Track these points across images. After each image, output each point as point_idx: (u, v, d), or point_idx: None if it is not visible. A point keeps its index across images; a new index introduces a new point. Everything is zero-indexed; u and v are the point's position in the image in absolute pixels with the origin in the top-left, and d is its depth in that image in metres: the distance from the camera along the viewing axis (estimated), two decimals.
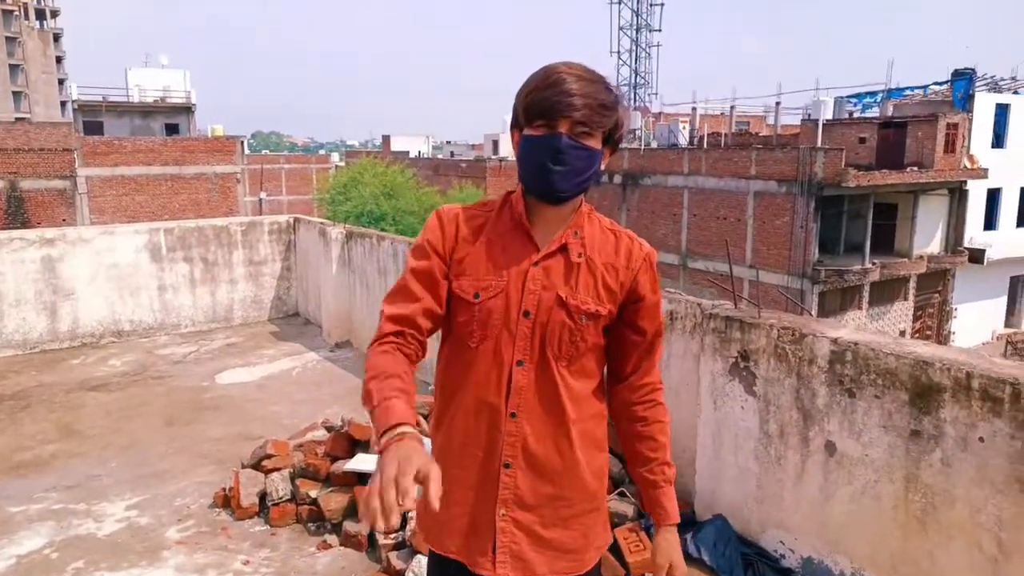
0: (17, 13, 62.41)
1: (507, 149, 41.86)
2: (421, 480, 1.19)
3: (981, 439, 2.55)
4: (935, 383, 2.65)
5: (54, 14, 70.86)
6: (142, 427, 5.24)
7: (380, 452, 1.25)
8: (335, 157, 50.79)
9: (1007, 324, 29.36)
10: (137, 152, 25.74)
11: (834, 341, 2.97)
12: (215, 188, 27.01)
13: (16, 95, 61.17)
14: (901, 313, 26.27)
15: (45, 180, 24.08)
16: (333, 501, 3.75)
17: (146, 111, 34.47)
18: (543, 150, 1.46)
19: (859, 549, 2.96)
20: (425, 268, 1.57)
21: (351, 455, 3.96)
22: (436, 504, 1.20)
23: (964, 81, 27.81)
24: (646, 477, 1.69)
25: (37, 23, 67.26)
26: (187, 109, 34.90)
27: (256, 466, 4.19)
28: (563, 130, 1.45)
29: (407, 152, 40.94)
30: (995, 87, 28.85)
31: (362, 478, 3.78)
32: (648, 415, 1.68)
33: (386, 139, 52.32)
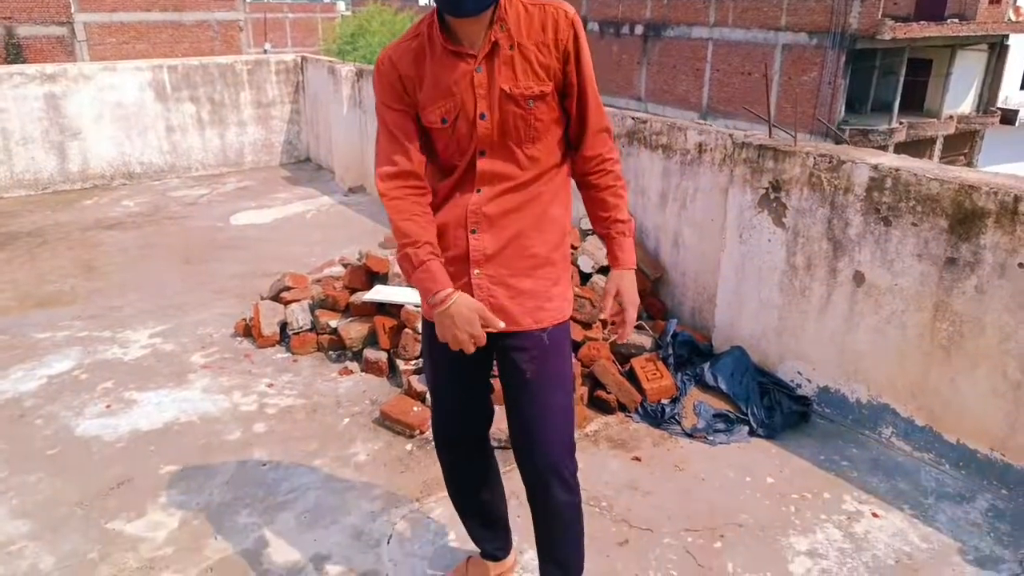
0: None
1: None
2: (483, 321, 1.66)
3: (1021, 264, 2.46)
4: (979, 208, 2.54)
5: None
6: (160, 264, 5.26)
7: (434, 308, 1.66)
8: (341, 6, 48.27)
9: None
10: None
11: (874, 168, 2.83)
12: (217, 37, 25.93)
13: None
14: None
15: (42, 26, 23.13)
16: (353, 330, 3.78)
17: None
18: None
19: (878, 377, 2.97)
20: (393, 120, 1.72)
21: (369, 287, 3.95)
22: (500, 324, 1.69)
23: None
24: (600, 233, 1.87)
25: None
26: None
27: (275, 298, 4.21)
28: None
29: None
30: None
31: (381, 308, 3.79)
32: (599, 182, 1.81)
33: None
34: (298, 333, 3.92)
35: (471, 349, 1.65)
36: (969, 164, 26.61)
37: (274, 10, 38.45)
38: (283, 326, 4.00)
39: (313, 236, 5.86)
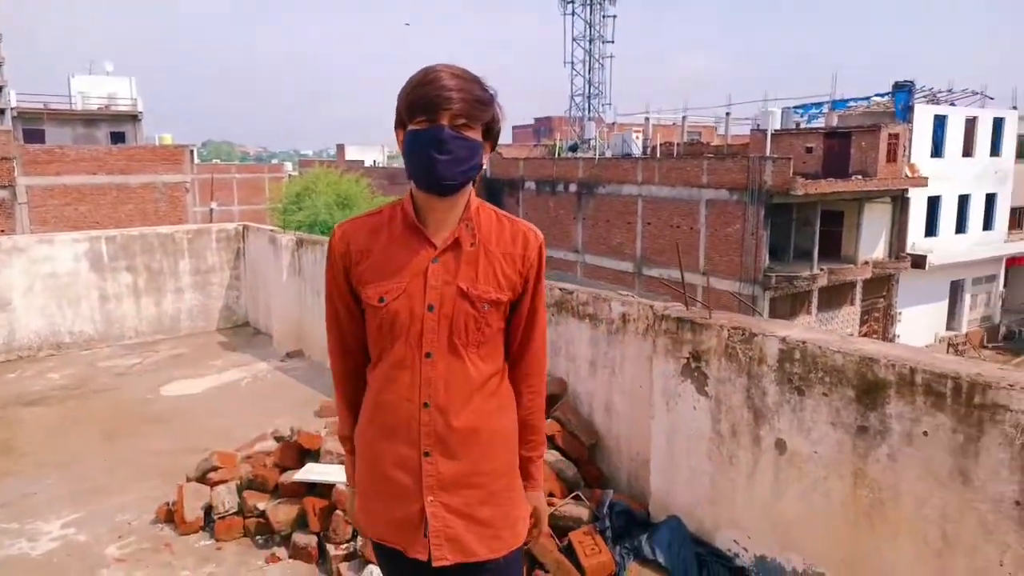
0: None
1: None
2: None
3: (925, 433, 2.59)
4: (880, 379, 2.70)
5: None
6: (82, 442, 5.04)
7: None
8: (288, 166, 50.03)
9: (948, 327, 30.38)
10: (80, 160, 24.91)
11: (783, 340, 3.00)
12: (163, 198, 26.30)
13: None
14: (848, 317, 26.97)
15: None
16: (282, 512, 3.64)
17: (90, 119, 33.39)
18: (426, 141, 1.54)
19: (810, 546, 2.99)
20: (336, 294, 1.72)
21: (300, 464, 3.85)
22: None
23: (904, 93, 28.80)
24: (523, 453, 1.82)
25: None
26: (133, 117, 33.90)
27: (201, 479, 4.05)
28: (444, 122, 1.53)
29: (362, 161, 40.53)
30: (933, 99, 29.91)
31: (312, 488, 3.68)
32: (529, 404, 1.79)
33: (340, 148, 51.73)
34: (224, 517, 3.75)
35: None
36: (889, 306, 28.17)
37: (222, 171, 39.55)
38: (208, 509, 3.82)
39: (247, 406, 5.74)
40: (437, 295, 1.61)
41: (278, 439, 4.39)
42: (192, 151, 30.06)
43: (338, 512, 3.45)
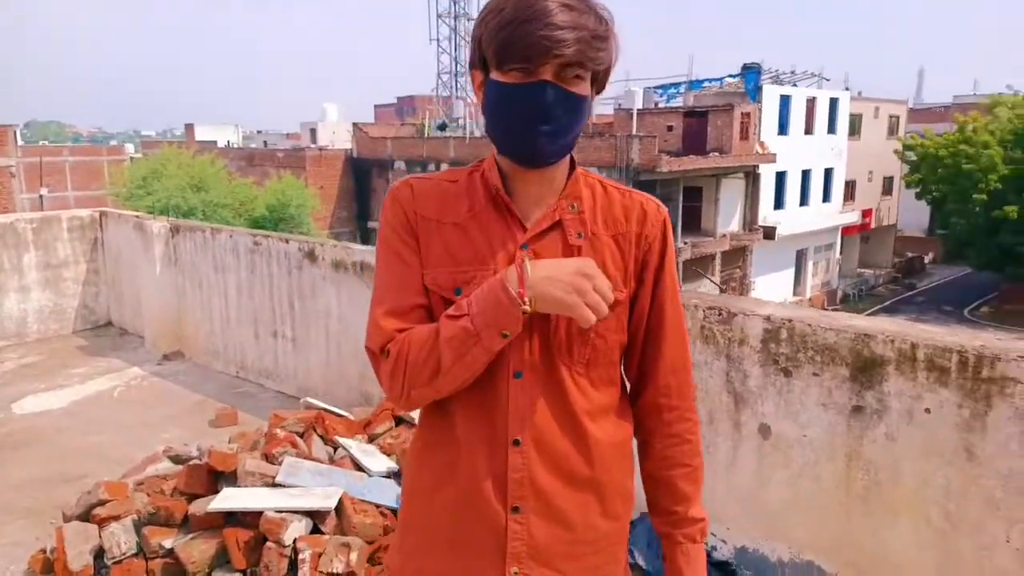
0: None
1: (326, 138, 40.06)
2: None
3: (927, 410, 2.49)
4: (878, 356, 2.57)
5: None
6: None
7: (520, 295, 1.11)
8: (130, 148, 45.89)
9: (795, 293, 32.84)
10: None
11: (767, 319, 2.82)
12: None
13: None
14: (709, 288, 28.47)
15: None
16: (196, 550, 3.07)
17: None
18: (523, 103, 1.13)
19: (798, 533, 2.85)
20: (405, 253, 1.25)
21: (214, 491, 3.28)
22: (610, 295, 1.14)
23: (753, 74, 30.57)
24: (661, 530, 1.36)
25: None
26: None
27: (85, 516, 3.37)
28: (548, 76, 1.11)
29: (215, 142, 37.81)
30: (777, 80, 31.94)
31: (231, 517, 3.13)
32: (670, 455, 1.33)
33: (190, 128, 48.05)
34: (120, 561, 3.11)
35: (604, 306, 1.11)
36: (744, 276, 30.02)
37: (52, 153, 35.55)
38: (100, 553, 3.17)
39: (125, 419, 4.96)
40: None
41: (175, 459, 3.76)
42: (15, 132, 26.73)
43: (269, 544, 2.95)
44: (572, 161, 1.26)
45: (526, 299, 1.10)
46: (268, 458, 3.37)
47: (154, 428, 4.72)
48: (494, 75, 1.14)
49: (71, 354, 6.35)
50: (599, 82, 1.19)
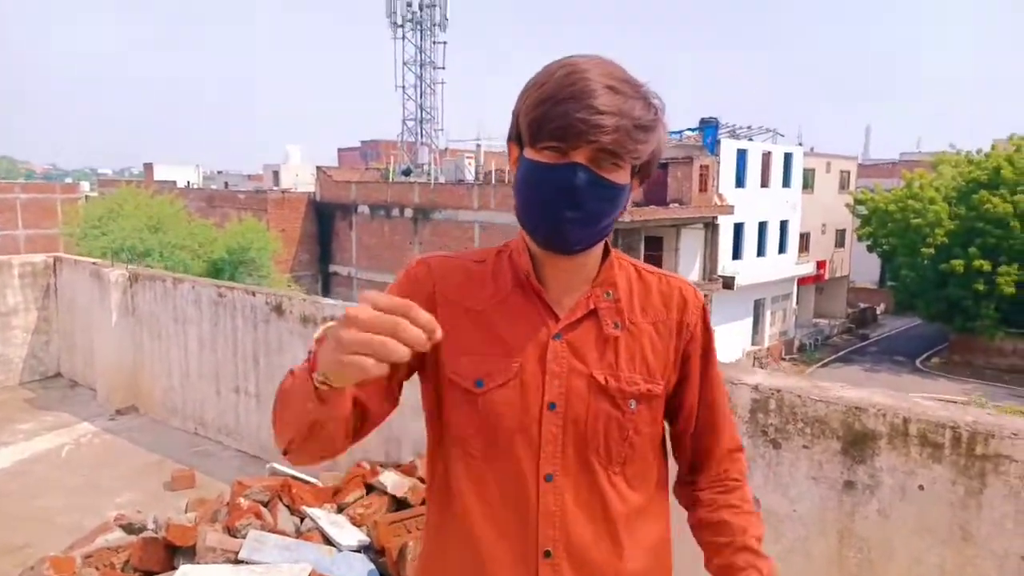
0: None
1: (289, 181, 39.72)
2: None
3: (921, 487, 2.45)
4: (870, 430, 2.53)
5: None
6: None
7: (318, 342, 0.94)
8: (85, 186, 44.91)
9: (753, 342, 33.30)
10: None
11: (755, 388, 2.77)
12: None
13: None
14: None
15: None
16: None
17: None
18: (552, 184, 1.05)
19: None
20: None
21: (170, 567, 3.07)
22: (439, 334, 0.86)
23: (712, 128, 31.44)
24: (719, 565, 1.24)
25: None
26: None
27: None
28: (581, 159, 1.03)
29: (174, 182, 37.22)
30: (734, 134, 32.90)
31: None
32: (715, 499, 1.26)
33: (148, 167, 47.31)
34: None
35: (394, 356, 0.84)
36: None
37: (3, 190, 34.54)
38: None
39: (73, 480, 4.68)
40: (561, 388, 1.11)
41: (127, 528, 3.53)
42: None
43: None
44: (607, 245, 1.20)
45: (315, 376, 0.93)
46: (230, 531, 3.17)
47: (105, 491, 4.46)
48: (527, 152, 1.08)
49: (17, 407, 6.02)
50: (643, 171, 1.12)
